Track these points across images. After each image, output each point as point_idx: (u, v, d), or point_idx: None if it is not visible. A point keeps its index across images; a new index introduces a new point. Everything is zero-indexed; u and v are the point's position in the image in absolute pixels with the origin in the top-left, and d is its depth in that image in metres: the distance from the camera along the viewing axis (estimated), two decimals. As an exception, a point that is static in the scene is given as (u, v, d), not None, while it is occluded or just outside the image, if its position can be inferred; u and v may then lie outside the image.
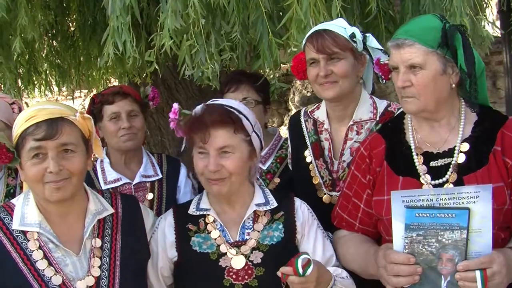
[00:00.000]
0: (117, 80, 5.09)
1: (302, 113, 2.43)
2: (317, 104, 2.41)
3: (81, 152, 1.72)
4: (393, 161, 1.89)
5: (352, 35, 2.15)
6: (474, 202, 1.58)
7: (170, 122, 1.95)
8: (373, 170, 1.93)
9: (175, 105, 1.95)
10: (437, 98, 1.78)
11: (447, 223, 1.58)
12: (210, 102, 1.94)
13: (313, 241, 1.92)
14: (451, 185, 1.77)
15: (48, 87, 4.75)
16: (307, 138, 2.34)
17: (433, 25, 1.77)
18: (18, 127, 1.69)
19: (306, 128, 2.36)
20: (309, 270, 1.65)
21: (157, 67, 2.51)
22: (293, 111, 7.19)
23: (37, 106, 1.72)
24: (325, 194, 2.24)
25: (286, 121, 7.34)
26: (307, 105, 2.51)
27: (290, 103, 7.75)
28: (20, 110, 2.27)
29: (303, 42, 2.21)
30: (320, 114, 2.34)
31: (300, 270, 1.63)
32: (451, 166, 1.79)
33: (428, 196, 1.64)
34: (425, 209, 1.62)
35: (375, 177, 1.92)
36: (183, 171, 2.55)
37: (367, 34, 2.22)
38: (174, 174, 2.53)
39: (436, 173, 1.81)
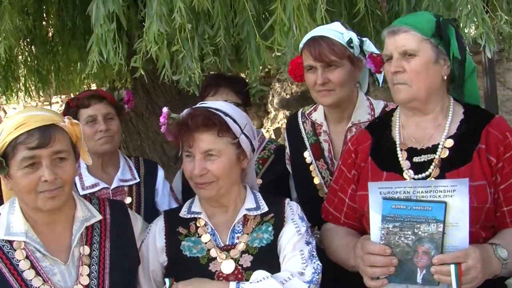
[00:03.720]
0: (97, 85, 5.05)
1: (299, 114, 2.43)
2: (314, 106, 2.41)
3: (72, 159, 1.69)
4: (378, 157, 1.91)
5: (350, 41, 2.13)
6: (451, 196, 1.59)
7: (161, 126, 1.92)
8: (358, 165, 1.95)
9: (165, 109, 1.91)
10: (428, 87, 1.80)
11: (423, 216, 1.59)
12: (197, 105, 1.91)
13: (287, 239, 1.84)
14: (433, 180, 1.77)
15: (27, 93, 4.68)
16: (305, 139, 2.34)
17: (429, 18, 1.84)
18: (6, 136, 1.61)
19: (305, 129, 2.36)
20: None
21: (142, 73, 2.47)
22: (273, 113, 7.18)
23: (25, 113, 1.66)
24: (326, 193, 2.21)
25: (266, 124, 7.32)
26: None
27: (269, 105, 7.76)
28: None
29: (300, 47, 2.21)
30: (318, 116, 2.35)
31: None
32: (434, 161, 1.80)
33: (405, 188, 1.65)
34: (402, 201, 1.63)
35: (359, 172, 1.95)
36: (160, 174, 2.54)
37: (364, 39, 2.20)
38: (151, 177, 2.51)
39: (419, 168, 1.83)
